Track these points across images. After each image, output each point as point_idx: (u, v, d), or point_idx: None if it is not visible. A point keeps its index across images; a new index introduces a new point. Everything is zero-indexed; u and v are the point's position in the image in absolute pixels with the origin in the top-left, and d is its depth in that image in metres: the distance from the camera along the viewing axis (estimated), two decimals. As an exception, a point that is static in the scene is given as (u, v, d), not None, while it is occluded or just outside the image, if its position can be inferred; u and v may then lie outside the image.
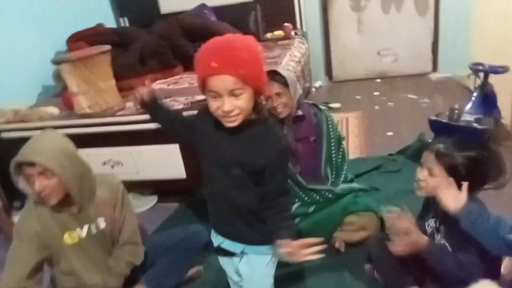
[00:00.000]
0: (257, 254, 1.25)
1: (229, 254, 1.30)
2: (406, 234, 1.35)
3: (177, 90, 2.75)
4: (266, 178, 1.13)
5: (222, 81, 1.01)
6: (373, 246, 1.63)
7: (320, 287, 1.68)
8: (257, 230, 1.21)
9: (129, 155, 2.38)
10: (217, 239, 1.30)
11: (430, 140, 2.36)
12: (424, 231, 1.43)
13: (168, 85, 2.94)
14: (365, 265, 1.71)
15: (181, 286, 1.79)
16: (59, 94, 2.99)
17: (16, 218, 2.48)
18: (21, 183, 1.40)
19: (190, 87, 2.78)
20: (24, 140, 2.62)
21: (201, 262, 1.88)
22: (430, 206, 1.47)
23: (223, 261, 1.38)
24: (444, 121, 2.32)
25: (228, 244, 1.27)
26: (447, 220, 1.34)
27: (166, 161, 2.33)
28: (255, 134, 1.12)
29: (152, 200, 2.55)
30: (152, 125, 2.27)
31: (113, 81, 2.49)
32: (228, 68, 1.00)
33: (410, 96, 3.75)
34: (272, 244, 1.14)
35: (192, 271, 1.83)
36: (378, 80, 4.34)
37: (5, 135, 2.48)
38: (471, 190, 1.27)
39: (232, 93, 1.02)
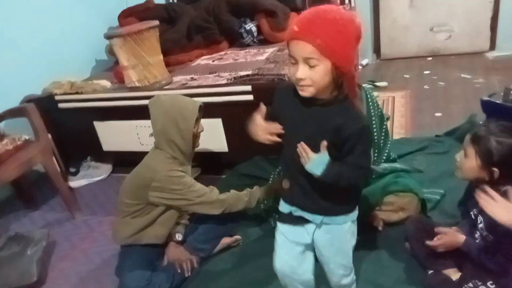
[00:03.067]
0: (335, 223, 1.24)
1: (300, 222, 1.26)
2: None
3: (222, 66, 2.79)
4: (344, 151, 1.10)
5: (299, 47, 1.01)
6: (410, 227, 1.61)
7: (357, 264, 1.68)
8: (336, 202, 1.21)
9: (175, 128, 2.47)
10: (287, 207, 1.27)
11: (481, 122, 2.25)
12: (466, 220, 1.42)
13: (213, 61, 2.99)
14: (406, 244, 1.69)
15: (217, 253, 1.87)
16: (111, 68, 3.14)
17: (71, 183, 2.69)
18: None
19: (235, 63, 2.81)
20: (79, 110, 2.79)
21: (237, 231, 1.96)
22: (472, 193, 1.43)
23: (286, 228, 1.30)
24: (497, 102, 2.19)
25: (305, 214, 1.24)
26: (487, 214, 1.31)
27: (209, 135, 2.38)
28: (334, 112, 1.10)
29: (195, 171, 2.62)
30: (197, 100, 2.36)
31: (161, 56, 2.57)
32: (306, 35, 0.99)
33: (463, 75, 3.55)
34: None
35: (231, 240, 1.90)
36: (430, 58, 4.13)
37: (62, 105, 2.66)
38: (504, 180, 1.23)
39: (307, 62, 1.01)
